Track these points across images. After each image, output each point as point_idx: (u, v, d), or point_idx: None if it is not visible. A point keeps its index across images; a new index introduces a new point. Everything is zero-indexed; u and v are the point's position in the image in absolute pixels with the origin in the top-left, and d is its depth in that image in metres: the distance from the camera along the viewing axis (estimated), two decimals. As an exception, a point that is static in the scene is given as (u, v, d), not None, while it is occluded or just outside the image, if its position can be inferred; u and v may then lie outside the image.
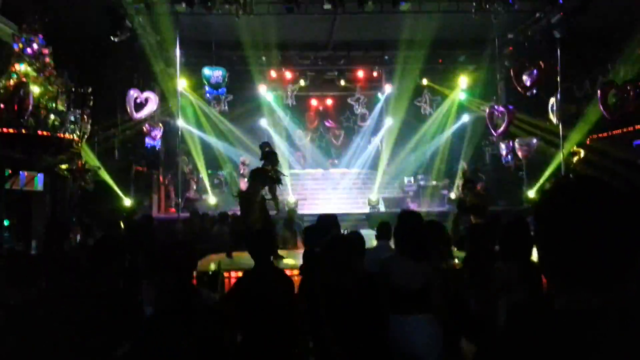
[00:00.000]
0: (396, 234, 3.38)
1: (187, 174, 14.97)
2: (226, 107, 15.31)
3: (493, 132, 13.48)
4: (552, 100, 12.04)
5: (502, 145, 13.94)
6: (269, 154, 7.18)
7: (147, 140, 12.99)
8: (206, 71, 12.67)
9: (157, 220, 9.91)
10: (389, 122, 17.43)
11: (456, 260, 4.50)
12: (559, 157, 11.99)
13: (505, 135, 13.38)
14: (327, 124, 19.06)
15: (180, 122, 12.71)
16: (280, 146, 18.22)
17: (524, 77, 12.08)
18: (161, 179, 14.66)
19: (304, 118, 18.82)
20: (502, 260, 3.28)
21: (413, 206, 14.83)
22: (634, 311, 0.97)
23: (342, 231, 4.24)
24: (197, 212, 10.02)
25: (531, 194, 13.10)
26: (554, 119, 12.07)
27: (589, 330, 0.96)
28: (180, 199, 12.62)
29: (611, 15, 10.87)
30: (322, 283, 2.92)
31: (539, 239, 1.11)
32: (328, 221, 4.35)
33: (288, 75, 15.87)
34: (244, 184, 10.23)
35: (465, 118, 16.37)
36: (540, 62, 11.58)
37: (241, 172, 14.80)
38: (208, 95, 13.78)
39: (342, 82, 16.20)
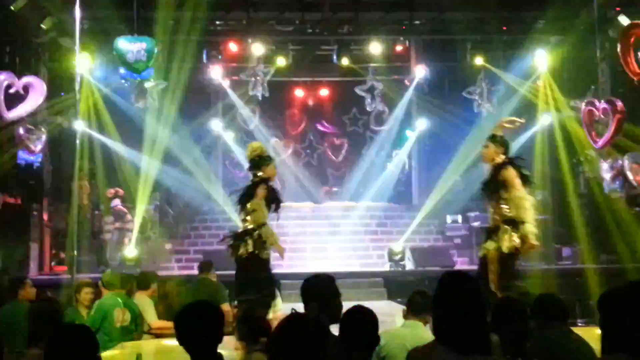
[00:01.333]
0: (436, 310, 3.38)
1: (85, 207, 14.96)
2: (155, 101, 15.39)
3: (592, 141, 13.60)
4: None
5: (605, 165, 14.07)
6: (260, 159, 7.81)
7: (22, 155, 12.97)
8: (121, 43, 12.73)
9: (37, 285, 9.83)
10: (421, 125, 17.56)
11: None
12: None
13: (609, 146, 13.53)
14: (320, 128, 19.20)
15: (80, 126, 12.74)
16: (243, 164, 18.35)
17: (633, 54, 12.27)
18: (45, 217, 14.61)
19: (283, 118, 18.93)
20: (606, 353, 3.30)
21: (461, 263, 14.81)
22: None
23: (337, 304, 4.21)
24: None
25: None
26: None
27: None
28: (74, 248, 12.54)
29: None
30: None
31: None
32: (321, 288, 4.33)
33: (257, 49, 16.01)
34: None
35: (546, 119, 16.53)
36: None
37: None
38: (124, 81, 13.86)
39: (346, 62, 16.34)
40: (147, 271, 9.64)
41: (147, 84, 14.56)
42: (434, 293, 3.37)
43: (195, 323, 3.43)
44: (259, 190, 7.89)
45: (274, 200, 8.13)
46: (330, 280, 4.42)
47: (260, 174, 7.98)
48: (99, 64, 14.97)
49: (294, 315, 3.22)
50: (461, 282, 3.39)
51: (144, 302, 8.12)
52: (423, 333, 4.86)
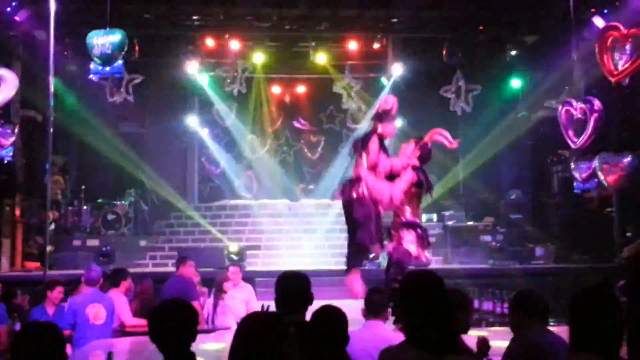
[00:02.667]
0: (403, 309, 3.37)
1: (59, 202, 14.83)
2: (131, 96, 15.28)
3: (570, 141, 13.71)
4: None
5: (577, 165, 14.18)
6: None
7: (-8, 149, 12.83)
8: (92, 38, 12.58)
9: (8, 282, 9.73)
10: (398, 123, 17.56)
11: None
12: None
13: (588, 147, 13.65)
14: (297, 125, 19.17)
15: (54, 119, 12.59)
16: (220, 161, 18.29)
17: (615, 56, 12.38)
18: (17, 212, 14.46)
19: (260, 115, 18.89)
20: (574, 351, 3.31)
21: (435, 262, 14.86)
22: None
23: (307, 302, 4.17)
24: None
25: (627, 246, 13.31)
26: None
27: None
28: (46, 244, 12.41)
29: None
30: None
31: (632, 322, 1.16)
32: (294, 287, 4.29)
33: (235, 45, 15.95)
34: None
35: (521, 119, 16.67)
36: (636, 31, 11.86)
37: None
38: (93, 76, 13.74)
39: (323, 59, 16.36)
40: (118, 268, 9.56)
41: (123, 78, 14.45)
42: (401, 292, 3.37)
43: (168, 321, 3.41)
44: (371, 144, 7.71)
45: None
46: (302, 280, 4.38)
47: (379, 128, 7.80)
48: (73, 57, 14.84)
49: (253, 313, 3.22)
50: (426, 281, 3.39)
51: (117, 299, 8.04)
52: (384, 333, 4.85)
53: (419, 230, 7.76)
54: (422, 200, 8.07)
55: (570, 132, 13.62)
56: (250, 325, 3.05)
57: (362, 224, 7.78)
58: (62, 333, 3.29)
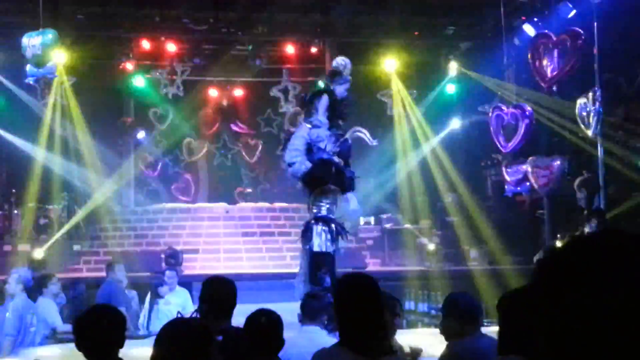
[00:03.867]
0: (337, 312, 3.37)
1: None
2: (63, 98, 14.93)
3: (500, 145, 13.97)
4: (583, 100, 12.69)
5: (507, 169, 14.47)
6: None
7: None
8: (24, 39, 12.28)
9: None
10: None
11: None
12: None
13: (517, 152, 13.94)
14: (235, 128, 19.03)
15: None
16: (157, 164, 18.03)
17: (545, 63, 12.69)
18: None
19: (197, 118, 18.69)
20: (502, 354, 3.36)
21: (373, 264, 14.96)
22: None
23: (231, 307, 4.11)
24: None
25: (558, 244, 13.64)
26: (587, 128, 12.70)
27: None
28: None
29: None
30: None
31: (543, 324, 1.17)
32: (222, 292, 4.22)
33: (171, 47, 15.74)
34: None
35: (456, 124, 16.92)
36: (566, 38, 12.19)
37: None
38: (29, 79, 13.35)
39: (260, 62, 16.29)
40: (46, 273, 9.32)
41: (53, 80, 14.10)
42: (335, 295, 3.37)
43: (93, 327, 3.34)
44: None
45: None
46: (229, 282, 4.31)
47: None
48: (4, 59, 14.42)
49: (177, 319, 3.15)
50: (360, 283, 3.39)
51: (47, 305, 7.82)
52: (320, 338, 4.82)
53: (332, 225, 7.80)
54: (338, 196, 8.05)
55: (501, 137, 13.91)
56: (173, 333, 2.95)
57: None
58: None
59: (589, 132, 12.33)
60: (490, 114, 14.28)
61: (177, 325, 3.01)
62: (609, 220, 11.84)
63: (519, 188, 14.42)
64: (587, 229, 11.88)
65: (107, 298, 7.91)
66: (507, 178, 14.58)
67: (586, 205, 13.34)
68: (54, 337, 7.89)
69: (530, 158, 14.03)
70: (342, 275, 3.51)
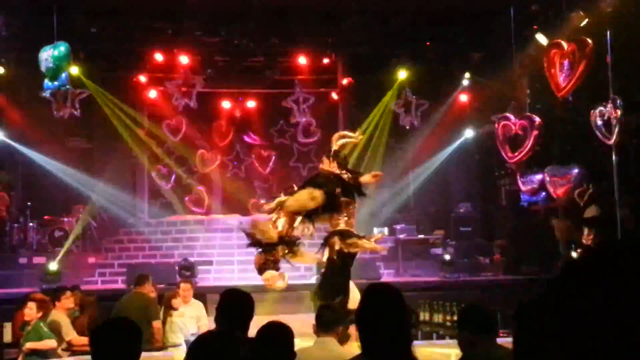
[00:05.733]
0: (360, 323, 3.34)
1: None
2: (77, 111, 15.00)
3: (506, 156, 13.92)
4: (600, 108, 12.61)
5: (525, 179, 14.41)
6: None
7: None
8: (40, 54, 12.44)
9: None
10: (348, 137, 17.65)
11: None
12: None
13: (525, 161, 13.87)
14: (247, 139, 19.06)
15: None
16: (169, 176, 18.06)
17: (558, 72, 12.63)
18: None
19: (210, 130, 18.75)
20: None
21: (387, 275, 14.91)
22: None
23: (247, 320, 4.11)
24: None
25: (574, 255, 13.54)
26: (605, 137, 12.58)
27: None
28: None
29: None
30: None
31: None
32: (240, 303, 4.22)
33: (184, 60, 15.81)
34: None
35: (469, 133, 16.89)
36: (575, 47, 12.09)
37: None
38: (45, 91, 13.48)
39: (273, 73, 16.33)
40: (60, 286, 9.36)
41: (68, 91, 14.21)
42: (359, 306, 3.35)
43: (110, 340, 3.32)
44: None
45: None
46: (247, 294, 4.32)
47: None
48: (20, 72, 14.56)
49: (209, 332, 3.14)
50: (386, 294, 3.37)
51: (60, 318, 7.83)
52: (335, 349, 4.80)
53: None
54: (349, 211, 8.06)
55: (507, 147, 13.85)
56: (210, 343, 2.96)
57: None
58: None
59: (609, 141, 12.21)
60: (496, 124, 14.24)
61: (209, 338, 3.03)
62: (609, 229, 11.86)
63: (535, 198, 14.35)
64: (583, 240, 11.93)
65: (141, 310, 7.93)
66: (523, 188, 14.52)
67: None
68: (68, 349, 7.90)
69: (548, 167, 13.98)
70: (367, 286, 3.49)
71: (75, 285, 10.01)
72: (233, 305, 4.14)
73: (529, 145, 13.32)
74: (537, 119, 13.52)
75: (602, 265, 1.17)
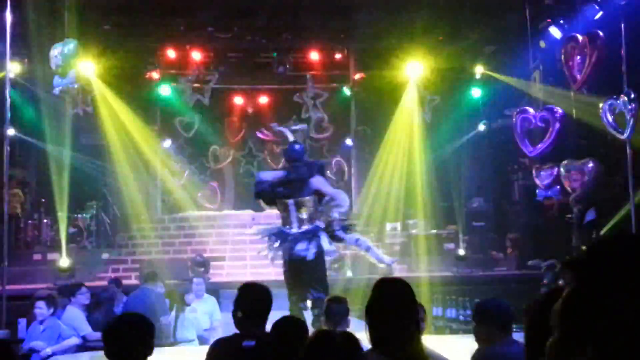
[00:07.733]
0: (371, 316, 3.35)
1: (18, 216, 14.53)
2: (90, 108, 15.07)
3: (526, 149, 13.82)
4: (610, 102, 12.49)
5: (538, 172, 14.33)
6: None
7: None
8: (51, 51, 12.48)
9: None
10: (361, 132, 17.64)
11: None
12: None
13: (545, 155, 13.78)
14: (260, 135, 19.08)
15: (11, 132, 12.41)
16: (181, 172, 18.12)
17: (574, 65, 12.55)
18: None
19: (223, 126, 18.78)
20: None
21: (400, 270, 14.89)
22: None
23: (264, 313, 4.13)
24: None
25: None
26: (617, 131, 12.47)
27: None
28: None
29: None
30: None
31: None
32: (259, 298, 4.22)
33: (196, 56, 15.85)
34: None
35: (482, 128, 16.82)
36: (586, 40, 11.99)
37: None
38: (55, 89, 13.51)
39: (285, 69, 16.35)
40: (75, 282, 9.41)
41: (76, 87, 14.26)
42: (369, 299, 3.35)
43: (123, 336, 3.36)
44: None
45: None
46: (266, 289, 4.32)
47: None
48: (33, 69, 14.62)
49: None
50: (395, 287, 3.37)
51: (76, 314, 7.88)
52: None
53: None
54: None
55: (526, 140, 13.76)
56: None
57: None
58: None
59: (623, 136, 12.04)
60: (514, 117, 14.16)
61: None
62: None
63: (549, 192, 14.28)
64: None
65: (151, 307, 7.96)
66: (538, 182, 14.45)
67: (577, 221, 13.23)
68: (83, 345, 7.94)
69: (564, 162, 13.89)
70: (378, 280, 3.50)
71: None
72: (252, 299, 4.15)
73: (552, 137, 13.21)
74: (559, 110, 13.41)
75: (615, 257, 1.16)
